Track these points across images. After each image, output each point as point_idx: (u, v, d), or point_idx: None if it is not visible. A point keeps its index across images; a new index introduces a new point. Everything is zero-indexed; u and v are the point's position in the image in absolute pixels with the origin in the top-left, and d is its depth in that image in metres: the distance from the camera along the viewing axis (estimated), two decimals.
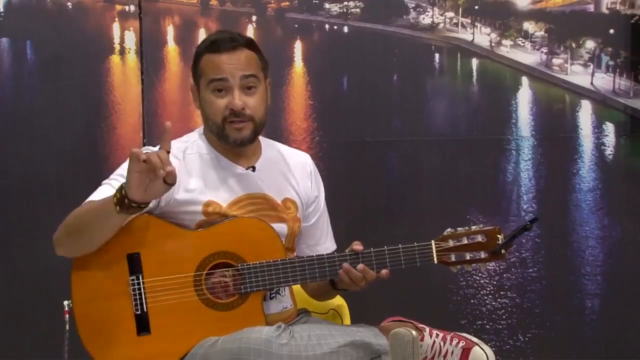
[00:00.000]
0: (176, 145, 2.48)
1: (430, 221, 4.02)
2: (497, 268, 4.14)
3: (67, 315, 2.43)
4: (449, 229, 2.45)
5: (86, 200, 2.38)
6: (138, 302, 2.35)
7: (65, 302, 2.41)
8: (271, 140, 2.65)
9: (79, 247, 2.34)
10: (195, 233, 2.41)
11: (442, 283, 4.07)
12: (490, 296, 4.14)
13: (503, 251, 2.42)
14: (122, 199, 2.21)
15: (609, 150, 4.22)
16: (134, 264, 2.36)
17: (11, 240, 3.90)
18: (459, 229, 2.44)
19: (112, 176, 2.43)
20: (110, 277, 2.35)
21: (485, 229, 2.43)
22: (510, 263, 4.13)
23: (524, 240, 4.17)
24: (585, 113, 4.23)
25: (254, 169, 2.53)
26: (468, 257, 2.43)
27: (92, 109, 4.00)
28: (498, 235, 2.42)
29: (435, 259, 2.42)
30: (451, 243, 2.42)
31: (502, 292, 4.15)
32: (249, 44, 2.52)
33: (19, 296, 3.86)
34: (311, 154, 2.64)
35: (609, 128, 4.23)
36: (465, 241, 2.42)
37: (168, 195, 2.37)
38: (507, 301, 4.15)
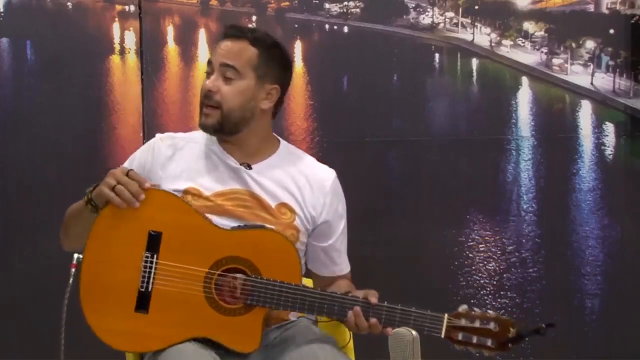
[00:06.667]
0: (180, 135, 2.55)
1: (430, 221, 4.02)
2: (497, 268, 4.14)
3: (73, 269, 2.40)
4: (464, 306, 2.34)
5: None
6: (146, 279, 2.35)
7: (75, 255, 2.39)
8: (300, 151, 2.61)
9: (70, 242, 2.48)
10: (220, 231, 2.38)
11: (442, 283, 4.07)
12: (490, 296, 4.14)
13: (510, 345, 2.36)
14: (89, 200, 2.36)
15: (609, 150, 4.22)
16: (153, 242, 2.35)
17: (11, 240, 3.89)
18: (475, 309, 2.37)
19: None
20: (127, 246, 2.34)
21: (500, 317, 2.35)
22: (510, 263, 4.13)
23: (524, 240, 4.17)
24: (585, 113, 4.22)
25: (249, 166, 2.52)
26: (475, 341, 2.34)
27: (92, 109, 4.00)
28: (510, 328, 2.34)
29: (443, 333, 2.34)
30: (463, 322, 2.34)
31: (502, 292, 4.15)
32: (256, 41, 2.48)
33: (17, 296, 3.85)
34: (311, 154, 2.62)
35: (609, 128, 4.23)
36: (477, 324, 2.33)
37: (153, 179, 2.44)
38: (507, 301, 4.14)
